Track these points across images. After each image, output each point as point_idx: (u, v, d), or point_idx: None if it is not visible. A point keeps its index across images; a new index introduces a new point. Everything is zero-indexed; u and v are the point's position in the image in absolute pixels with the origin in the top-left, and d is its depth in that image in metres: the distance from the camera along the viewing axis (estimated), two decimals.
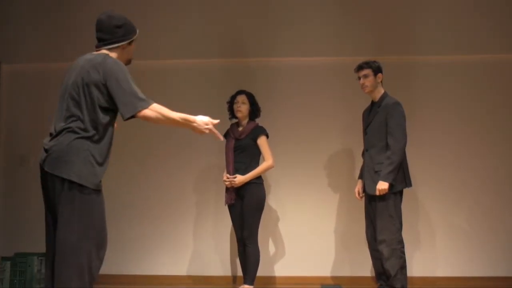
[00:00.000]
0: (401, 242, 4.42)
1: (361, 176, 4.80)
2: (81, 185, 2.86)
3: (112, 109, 3.00)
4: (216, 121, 3.18)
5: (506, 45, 5.74)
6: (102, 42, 3.11)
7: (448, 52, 5.77)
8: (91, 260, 2.90)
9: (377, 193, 4.40)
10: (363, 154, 4.82)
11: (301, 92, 5.88)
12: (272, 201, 5.76)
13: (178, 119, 3.03)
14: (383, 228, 4.41)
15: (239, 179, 4.82)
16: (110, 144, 3.06)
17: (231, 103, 5.06)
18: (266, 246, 5.66)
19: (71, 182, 2.86)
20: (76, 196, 2.86)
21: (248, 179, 4.84)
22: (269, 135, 4.99)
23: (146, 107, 2.94)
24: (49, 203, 2.99)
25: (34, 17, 6.10)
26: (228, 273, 5.75)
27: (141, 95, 2.96)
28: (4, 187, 6.01)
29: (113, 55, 3.10)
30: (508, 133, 5.72)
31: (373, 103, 4.68)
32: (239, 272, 5.45)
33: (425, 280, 5.53)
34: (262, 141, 4.94)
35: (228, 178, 4.87)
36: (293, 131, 5.83)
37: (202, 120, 3.11)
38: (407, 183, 4.54)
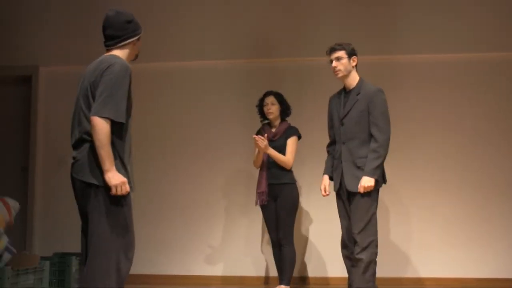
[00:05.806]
0: (377, 246, 4.04)
1: (327, 172, 4.35)
2: (105, 188, 2.92)
3: None
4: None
5: (492, 44, 5.67)
6: (114, 40, 3.12)
7: (432, 51, 5.73)
8: (119, 261, 2.94)
9: (362, 190, 3.95)
10: (329, 147, 4.41)
11: (329, 92, 5.84)
12: (304, 202, 5.75)
13: (104, 154, 2.85)
14: (364, 230, 3.98)
15: (268, 148, 4.78)
16: (127, 143, 3.03)
17: (261, 106, 5.04)
18: (299, 247, 5.65)
19: (96, 186, 2.93)
20: (101, 199, 2.93)
21: (272, 154, 4.80)
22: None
23: (103, 116, 2.85)
24: (81, 209, 3.08)
25: (71, 19, 6.18)
26: (260, 273, 5.78)
27: (114, 105, 2.89)
28: (43, 189, 6.14)
29: (125, 52, 3.13)
30: (490, 132, 5.66)
31: (346, 90, 4.23)
32: (271, 273, 5.48)
33: (392, 281, 5.49)
34: (291, 140, 4.92)
35: (258, 137, 4.76)
36: (323, 132, 5.80)
37: (117, 177, 2.89)
38: (385, 179, 4.15)
